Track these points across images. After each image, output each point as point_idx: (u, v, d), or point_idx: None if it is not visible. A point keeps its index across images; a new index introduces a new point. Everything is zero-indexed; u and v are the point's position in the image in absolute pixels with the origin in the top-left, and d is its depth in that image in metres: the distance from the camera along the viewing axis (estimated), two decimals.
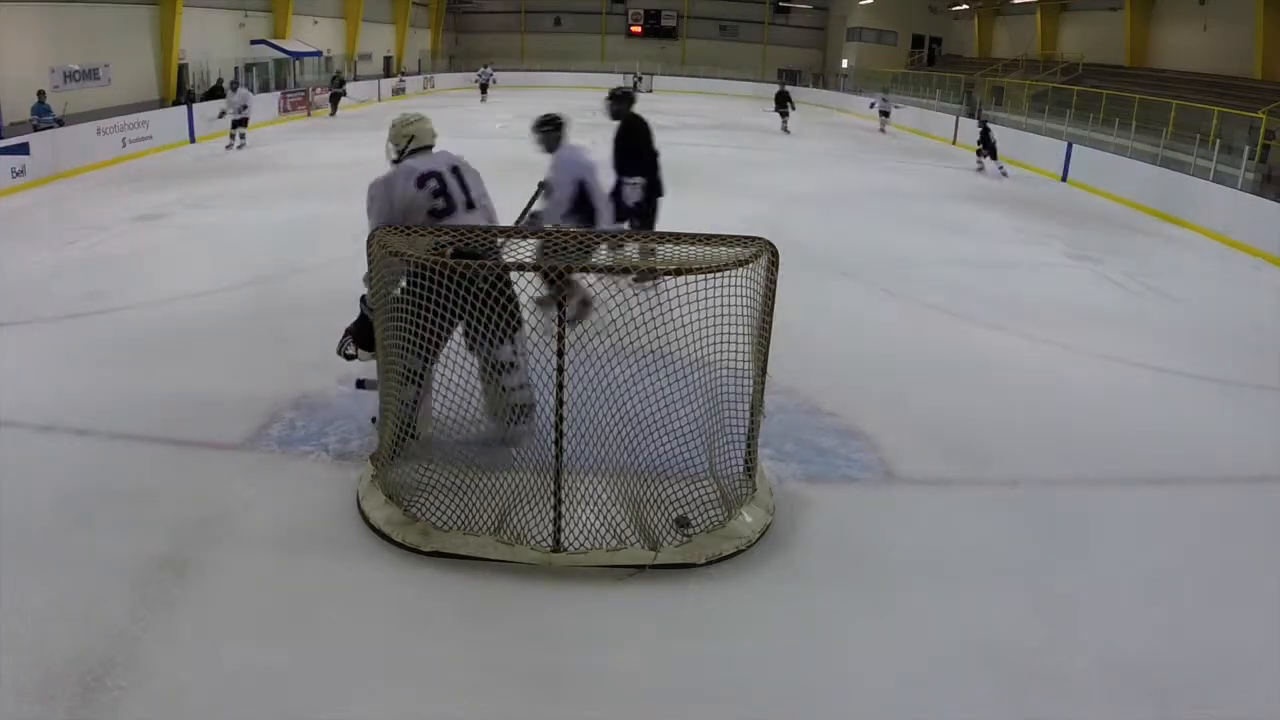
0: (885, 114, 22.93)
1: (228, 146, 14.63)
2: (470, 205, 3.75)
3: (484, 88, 28.31)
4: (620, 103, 6.79)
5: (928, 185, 13.91)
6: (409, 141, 3.83)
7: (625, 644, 2.88)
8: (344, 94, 22.23)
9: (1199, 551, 3.62)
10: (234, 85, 16.13)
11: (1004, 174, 15.25)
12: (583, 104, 26.05)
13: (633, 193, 6.57)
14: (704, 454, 3.56)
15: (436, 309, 3.15)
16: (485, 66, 29.95)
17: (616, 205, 6.18)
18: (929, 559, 3.44)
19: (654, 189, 6.72)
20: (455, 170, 3.76)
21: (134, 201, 9.90)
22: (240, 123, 14.85)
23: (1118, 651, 2.93)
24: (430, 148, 3.86)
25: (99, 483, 3.68)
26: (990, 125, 15.97)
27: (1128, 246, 10.06)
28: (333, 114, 21.66)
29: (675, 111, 25.41)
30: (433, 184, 3.66)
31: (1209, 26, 19.83)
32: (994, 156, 15.55)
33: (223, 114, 14.93)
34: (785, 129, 20.79)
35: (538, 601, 3.06)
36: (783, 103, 21.37)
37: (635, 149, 6.67)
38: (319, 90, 22.09)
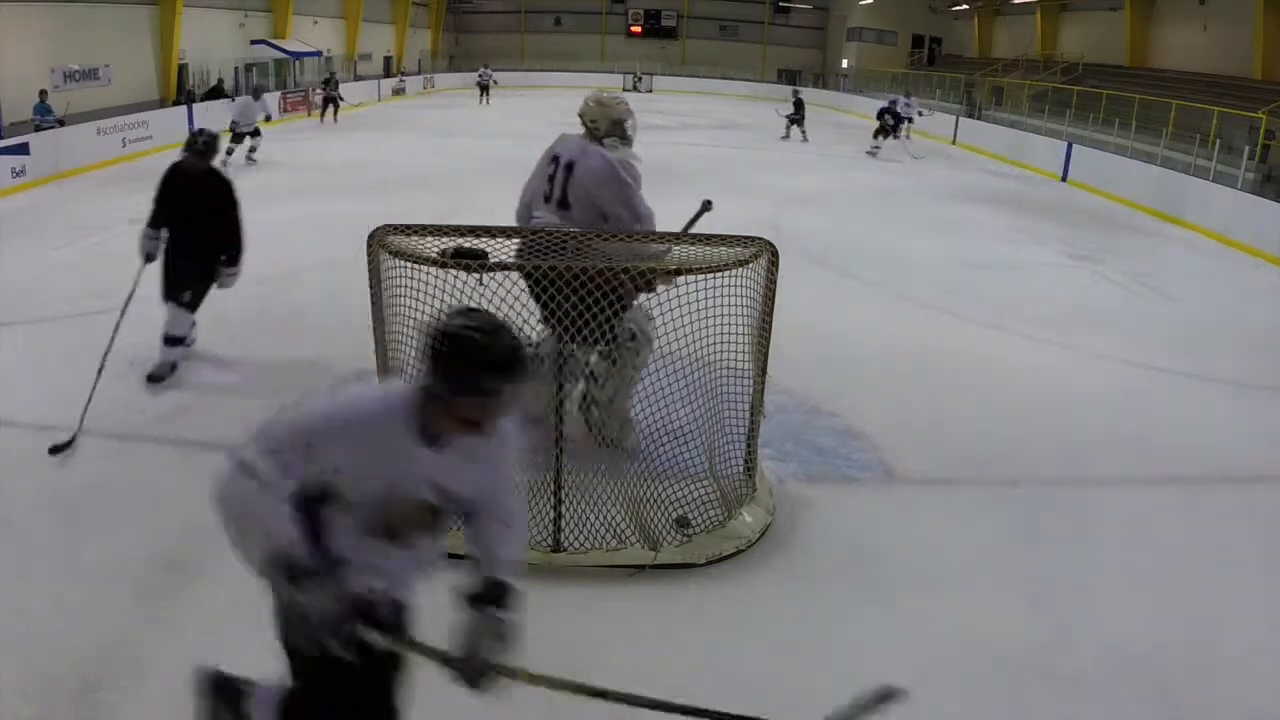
0: (908, 120, 19.51)
1: (225, 162, 12.34)
2: (562, 204, 3.66)
3: (484, 89, 27.13)
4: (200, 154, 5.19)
5: (928, 185, 13.91)
6: None
7: (625, 644, 2.88)
8: (340, 97, 20.32)
9: (1199, 551, 3.62)
10: (257, 90, 13.78)
11: (874, 151, 16.79)
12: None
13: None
14: (704, 454, 3.56)
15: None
16: (485, 67, 28.61)
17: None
18: (929, 559, 3.44)
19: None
20: (570, 166, 3.63)
21: (134, 201, 9.84)
22: (253, 133, 12.94)
23: (1118, 651, 2.93)
24: (589, 135, 3.73)
25: (98, 483, 3.68)
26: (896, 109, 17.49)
27: (1128, 246, 10.06)
28: (333, 119, 19.79)
29: (676, 111, 25.42)
30: (551, 168, 3.68)
31: (1209, 26, 19.83)
32: (896, 134, 17.21)
33: (234, 126, 12.73)
34: (789, 136, 19.52)
35: (538, 602, 3.05)
36: (799, 109, 19.94)
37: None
38: (317, 90, 22.01)
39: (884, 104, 17.54)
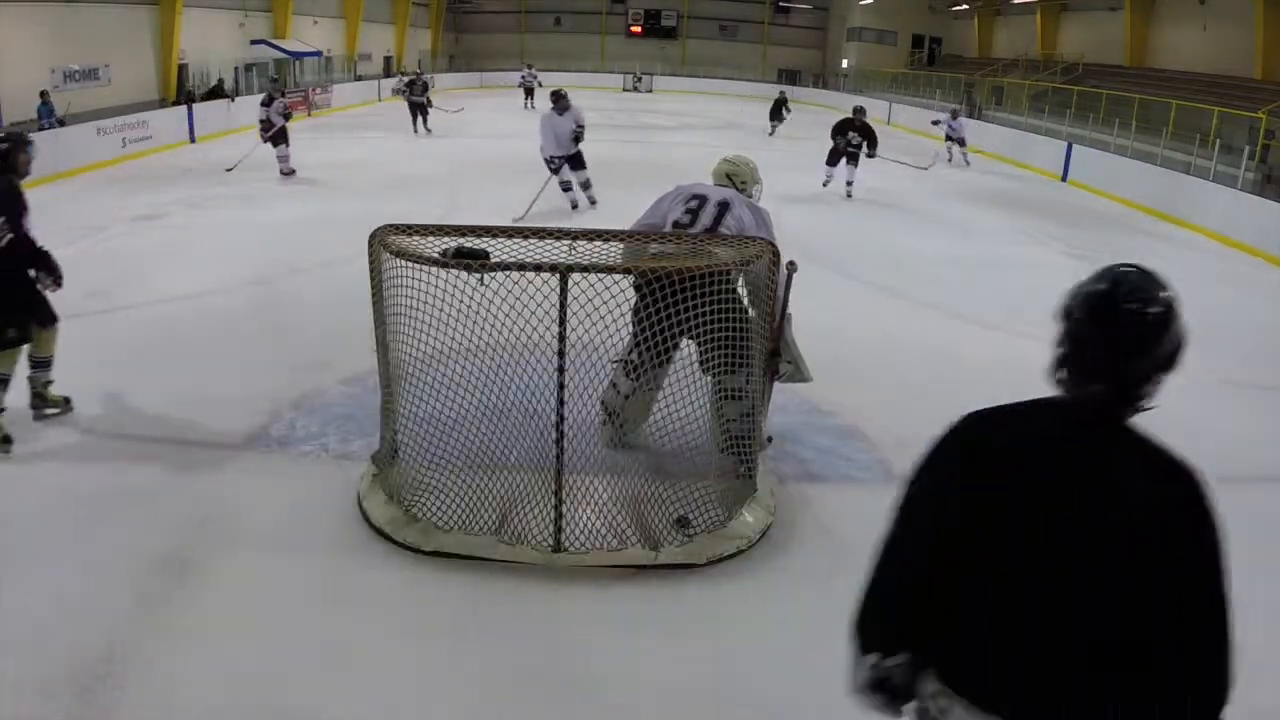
0: (959, 140, 16.82)
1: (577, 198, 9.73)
2: (711, 234, 3.84)
3: (530, 92, 24.48)
4: None
5: (928, 185, 13.91)
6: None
7: (625, 644, 2.88)
8: (428, 102, 17.09)
9: None
10: (558, 97, 9.35)
11: (828, 181, 12.16)
12: (590, 104, 25.94)
13: None
14: (704, 454, 3.56)
15: (659, 315, 3.20)
16: (528, 67, 25.71)
17: None
18: None
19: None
20: (724, 204, 3.84)
21: (134, 201, 9.90)
22: (572, 163, 9.41)
23: None
24: (728, 187, 4.06)
25: (99, 482, 3.68)
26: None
27: (1128, 246, 10.07)
28: (424, 128, 16.99)
29: (676, 112, 25.44)
30: (692, 203, 3.88)
31: (1209, 26, 19.84)
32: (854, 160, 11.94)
33: (551, 162, 9.43)
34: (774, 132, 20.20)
35: (538, 601, 3.06)
36: (778, 110, 20.49)
37: None
38: (318, 90, 21.95)
39: (848, 115, 11.85)
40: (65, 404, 4.32)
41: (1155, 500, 1.34)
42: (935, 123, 17.86)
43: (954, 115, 17.43)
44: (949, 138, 17.22)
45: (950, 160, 17.10)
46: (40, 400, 4.26)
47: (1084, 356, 1.39)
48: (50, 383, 4.27)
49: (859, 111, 11.88)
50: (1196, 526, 1.34)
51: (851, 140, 11.37)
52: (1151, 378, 1.38)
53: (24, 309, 4.05)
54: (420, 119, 17.04)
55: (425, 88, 17.18)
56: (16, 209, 4.08)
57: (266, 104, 11.68)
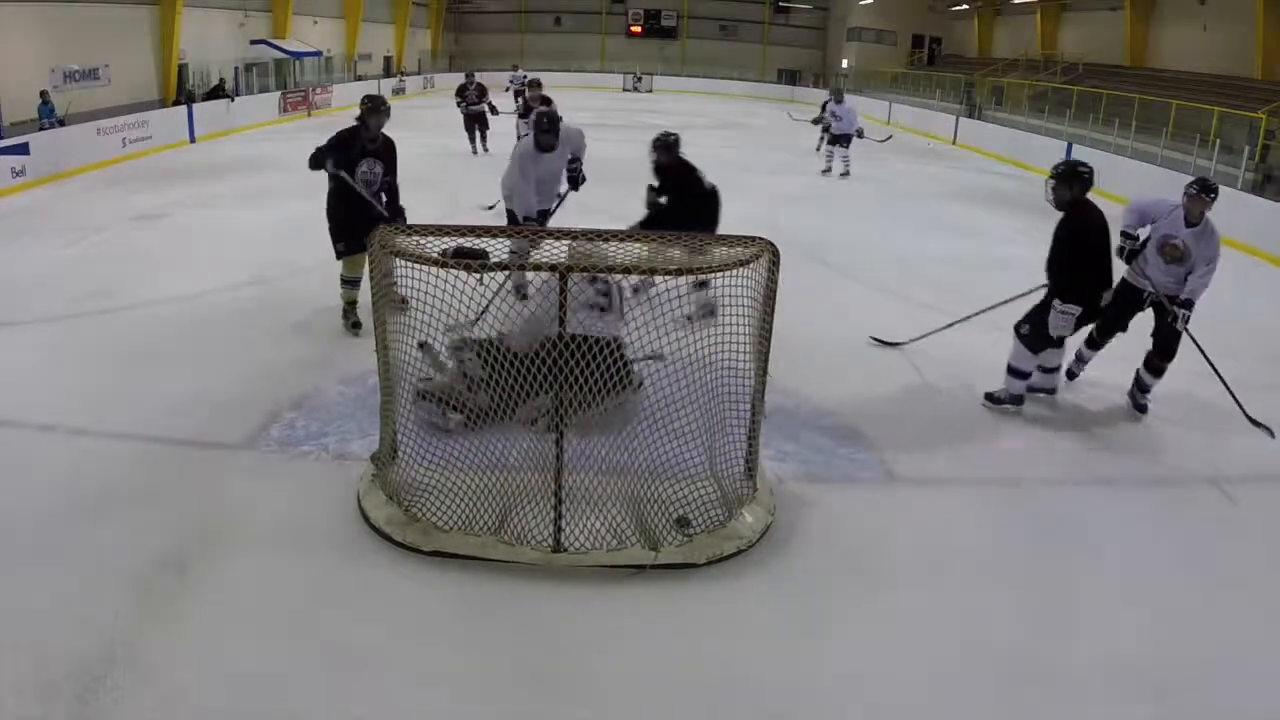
0: (838, 138, 13.07)
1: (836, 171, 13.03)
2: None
3: (520, 94, 23.21)
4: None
5: (928, 185, 13.91)
6: None
7: (625, 644, 2.88)
8: (491, 109, 13.30)
9: (1199, 551, 3.62)
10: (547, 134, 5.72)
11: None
12: (589, 103, 25.94)
13: None
14: (704, 454, 3.56)
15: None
16: (516, 68, 21.64)
17: None
18: (929, 559, 3.44)
19: None
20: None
21: (134, 201, 9.90)
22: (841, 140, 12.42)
23: (1117, 651, 2.93)
24: None
25: (99, 483, 3.68)
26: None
27: None
28: (483, 146, 13.47)
29: (676, 112, 25.42)
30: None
31: (1209, 26, 19.82)
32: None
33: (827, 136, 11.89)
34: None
35: (538, 601, 3.06)
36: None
37: None
38: (319, 90, 21.93)
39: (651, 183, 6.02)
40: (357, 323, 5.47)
41: (1100, 221, 4.58)
42: (816, 120, 14.29)
43: (837, 98, 13.00)
44: (832, 137, 13.22)
45: (829, 171, 13.41)
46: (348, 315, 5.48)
47: (1085, 187, 4.64)
48: (354, 302, 5.49)
49: (667, 157, 5.84)
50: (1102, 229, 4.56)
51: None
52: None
53: (352, 233, 5.15)
54: (480, 136, 13.40)
55: (482, 92, 13.26)
56: (395, 164, 5.38)
57: (524, 114, 10.12)
